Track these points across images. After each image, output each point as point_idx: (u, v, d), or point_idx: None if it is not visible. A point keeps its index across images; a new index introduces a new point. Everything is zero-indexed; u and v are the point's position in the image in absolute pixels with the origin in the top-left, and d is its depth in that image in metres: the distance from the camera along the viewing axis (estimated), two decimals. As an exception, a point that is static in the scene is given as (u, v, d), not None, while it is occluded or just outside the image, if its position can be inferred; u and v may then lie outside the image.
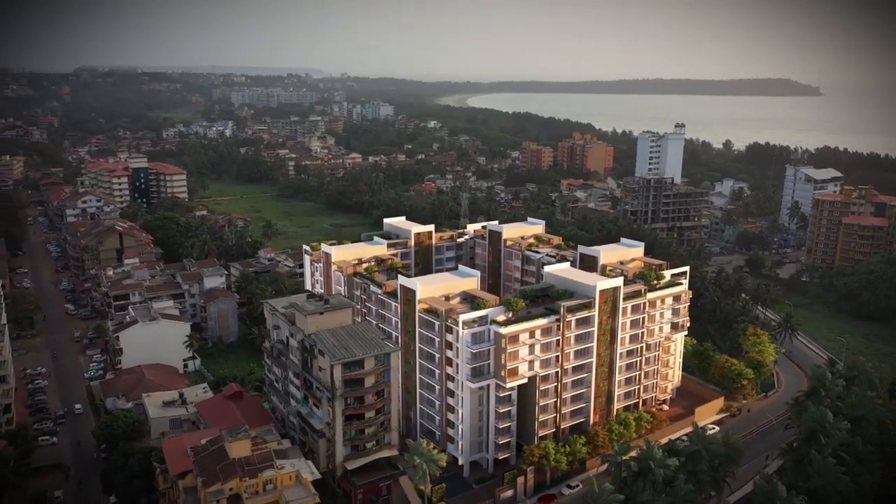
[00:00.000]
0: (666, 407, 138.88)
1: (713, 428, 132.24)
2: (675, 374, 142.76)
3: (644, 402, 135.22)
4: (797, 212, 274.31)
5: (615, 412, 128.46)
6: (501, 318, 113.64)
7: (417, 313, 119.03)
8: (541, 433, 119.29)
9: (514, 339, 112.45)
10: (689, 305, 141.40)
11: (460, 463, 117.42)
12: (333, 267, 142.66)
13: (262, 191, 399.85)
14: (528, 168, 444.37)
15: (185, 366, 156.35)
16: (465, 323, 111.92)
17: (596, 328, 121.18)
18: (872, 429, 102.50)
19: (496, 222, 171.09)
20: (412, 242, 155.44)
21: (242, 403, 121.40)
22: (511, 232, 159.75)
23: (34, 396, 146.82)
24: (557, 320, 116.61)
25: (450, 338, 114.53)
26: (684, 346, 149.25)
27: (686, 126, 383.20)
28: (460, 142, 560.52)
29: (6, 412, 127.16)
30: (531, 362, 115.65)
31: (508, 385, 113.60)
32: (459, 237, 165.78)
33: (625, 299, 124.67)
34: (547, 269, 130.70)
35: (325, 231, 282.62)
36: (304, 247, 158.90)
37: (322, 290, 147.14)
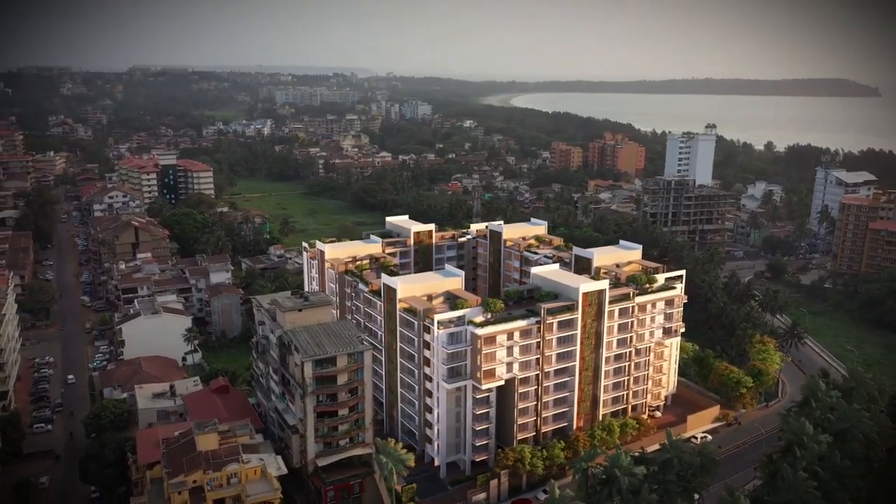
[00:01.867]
0: (658, 414, 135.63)
1: (705, 437, 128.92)
2: (669, 381, 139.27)
3: (634, 408, 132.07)
4: (826, 216, 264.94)
5: (601, 417, 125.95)
6: (479, 318, 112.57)
7: (398, 312, 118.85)
8: (520, 436, 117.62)
9: (490, 340, 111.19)
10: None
11: (436, 464, 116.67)
12: (327, 265, 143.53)
13: (291, 188, 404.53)
14: (556, 168, 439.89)
15: (184, 359, 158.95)
16: (440, 323, 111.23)
17: (579, 331, 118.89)
18: (856, 443, 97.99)
19: (500, 222, 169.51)
20: (412, 241, 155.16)
21: (227, 397, 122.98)
22: (512, 232, 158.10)
23: (38, 385, 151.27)
24: (538, 322, 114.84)
25: (427, 337, 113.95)
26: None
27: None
28: (493, 141, 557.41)
29: (2, 399, 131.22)
30: (510, 364, 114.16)
31: (485, 386, 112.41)
32: (462, 237, 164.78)
33: (611, 302, 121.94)
34: (534, 270, 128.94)
35: (344, 229, 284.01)
36: (303, 244, 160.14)
37: (317, 288, 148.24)
